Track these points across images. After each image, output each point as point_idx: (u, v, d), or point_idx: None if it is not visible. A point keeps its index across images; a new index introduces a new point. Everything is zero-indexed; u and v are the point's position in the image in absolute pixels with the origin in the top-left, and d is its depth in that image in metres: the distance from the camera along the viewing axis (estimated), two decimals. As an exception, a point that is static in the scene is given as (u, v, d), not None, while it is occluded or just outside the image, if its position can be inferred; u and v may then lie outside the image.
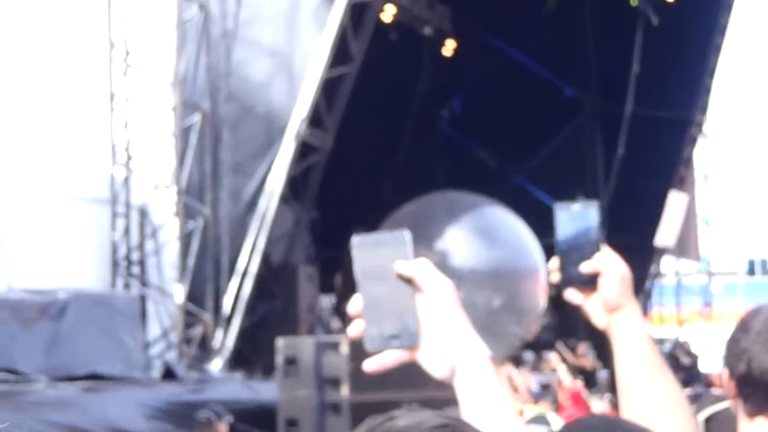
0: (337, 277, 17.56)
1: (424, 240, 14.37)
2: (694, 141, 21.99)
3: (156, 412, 11.40)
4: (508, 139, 20.87)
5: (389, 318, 1.72)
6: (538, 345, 18.49)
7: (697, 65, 20.95)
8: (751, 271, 38.24)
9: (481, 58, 21.59)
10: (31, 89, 13.62)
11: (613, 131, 21.22)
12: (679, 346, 21.85)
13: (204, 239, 14.39)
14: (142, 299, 14.16)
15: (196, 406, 10.62)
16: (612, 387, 14.48)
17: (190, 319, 14.09)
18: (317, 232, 16.91)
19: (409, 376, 8.27)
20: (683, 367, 19.67)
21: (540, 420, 6.85)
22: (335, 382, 10.80)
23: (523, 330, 16.38)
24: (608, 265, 2.11)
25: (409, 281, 1.73)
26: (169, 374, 13.19)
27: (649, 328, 24.01)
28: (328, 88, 15.01)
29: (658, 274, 23.16)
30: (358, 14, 15.38)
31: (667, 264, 24.93)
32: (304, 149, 14.91)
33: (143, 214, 14.50)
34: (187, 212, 14.26)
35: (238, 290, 14.43)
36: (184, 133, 14.30)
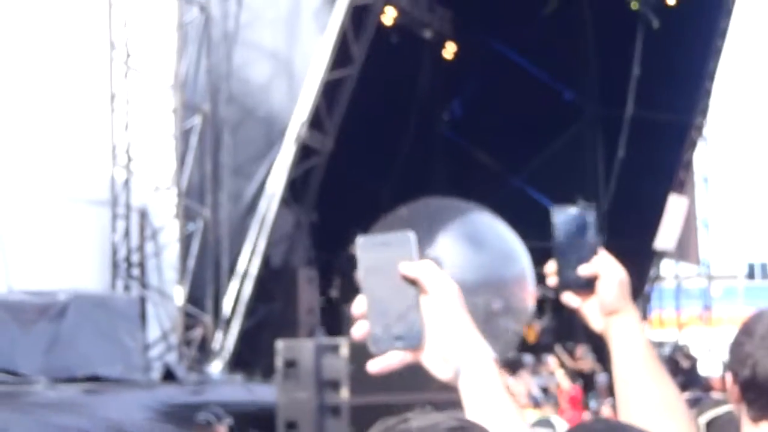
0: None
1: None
2: (694, 144, 21.98)
3: (155, 413, 11.39)
4: (508, 142, 20.87)
5: (394, 319, 1.72)
6: (538, 348, 18.50)
7: (697, 69, 20.94)
8: (751, 275, 38.23)
9: (482, 61, 21.59)
10: (32, 90, 13.62)
11: (613, 134, 21.22)
12: (678, 349, 21.82)
13: (204, 241, 14.39)
14: (142, 301, 14.16)
15: (196, 408, 10.61)
16: (612, 391, 14.47)
17: (190, 321, 14.09)
18: (317, 234, 16.90)
19: (409, 378, 8.26)
20: (683, 371, 19.63)
21: (544, 423, 6.83)
22: (335, 385, 10.80)
23: (518, 326, 16.52)
24: (607, 268, 2.10)
25: (413, 282, 1.73)
26: (168, 376, 13.19)
27: (649, 331, 24.03)
28: (329, 90, 15.02)
29: (657, 278, 23.16)
30: (359, 17, 15.39)
31: (666, 267, 24.92)
32: (304, 152, 14.91)
33: (143, 215, 14.51)
34: (187, 214, 14.26)
35: (238, 292, 14.43)
36: (184, 135, 14.31)
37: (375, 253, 1.74)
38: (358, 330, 1.74)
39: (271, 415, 11.42)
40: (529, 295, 16.83)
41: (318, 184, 15.90)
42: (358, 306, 1.74)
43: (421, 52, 21.07)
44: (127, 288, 14.42)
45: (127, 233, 14.41)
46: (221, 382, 13.60)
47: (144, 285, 14.46)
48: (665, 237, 21.03)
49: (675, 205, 21.15)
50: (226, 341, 14.28)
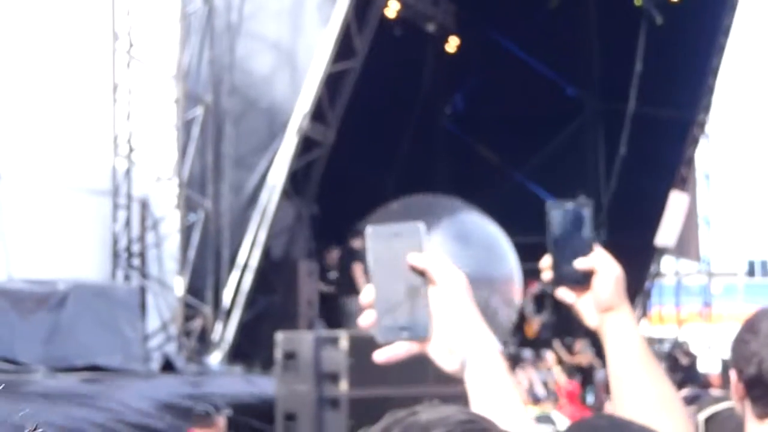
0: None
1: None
2: (696, 141, 21.96)
3: (155, 404, 11.39)
4: (509, 136, 20.86)
5: (401, 309, 1.72)
6: (537, 343, 18.52)
7: (700, 65, 20.92)
8: (751, 273, 38.23)
9: (484, 55, 21.58)
10: (34, 80, 13.61)
11: (615, 130, 21.21)
12: (678, 346, 21.84)
13: (205, 232, 14.40)
14: (142, 291, 14.16)
15: (195, 399, 10.63)
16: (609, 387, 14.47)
17: (189, 311, 14.10)
18: (318, 226, 16.90)
19: (408, 372, 8.27)
20: (682, 367, 19.66)
21: (545, 419, 6.84)
22: (334, 377, 10.80)
23: (510, 311, 16.68)
24: (602, 264, 2.10)
25: (422, 273, 1.73)
26: (168, 366, 13.19)
27: (648, 327, 24.05)
28: (331, 82, 15.01)
29: (658, 274, 23.15)
30: (362, 9, 15.38)
31: (667, 264, 24.92)
32: (306, 144, 14.91)
33: (144, 206, 14.51)
34: (188, 205, 14.27)
35: (238, 284, 14.44)
36: (186, 126, 14.31)
37: (385, 242, 1.74)
38: (365, 319, 1.73)
39: (270, 407, 11.43)
40: (516, 294, 17.02)
41: (319, 177, 15.90)
42: (366, 295, 1.74)
43: (424, 46, 21.07)
44: (127, 278, 14.42)
45: (127, 223, 14.41)
46: (220, 374, 13.61)
47: (144, 275, 14.47)
48: (666, 233, 21.02)
49: (676, 202, 21.14)
50: (225, 332, 14.29)
